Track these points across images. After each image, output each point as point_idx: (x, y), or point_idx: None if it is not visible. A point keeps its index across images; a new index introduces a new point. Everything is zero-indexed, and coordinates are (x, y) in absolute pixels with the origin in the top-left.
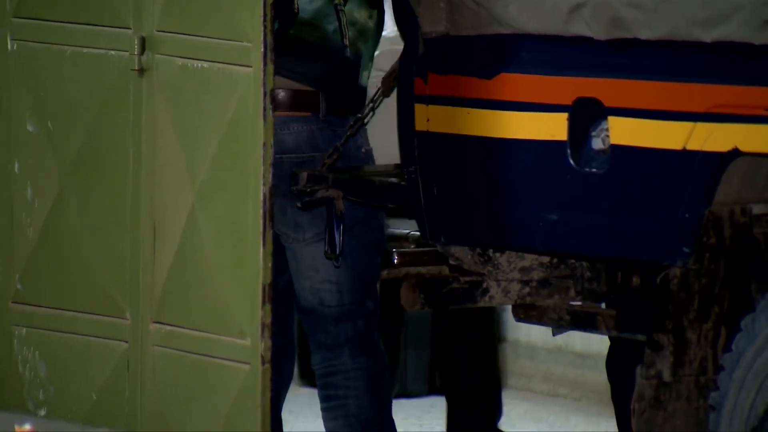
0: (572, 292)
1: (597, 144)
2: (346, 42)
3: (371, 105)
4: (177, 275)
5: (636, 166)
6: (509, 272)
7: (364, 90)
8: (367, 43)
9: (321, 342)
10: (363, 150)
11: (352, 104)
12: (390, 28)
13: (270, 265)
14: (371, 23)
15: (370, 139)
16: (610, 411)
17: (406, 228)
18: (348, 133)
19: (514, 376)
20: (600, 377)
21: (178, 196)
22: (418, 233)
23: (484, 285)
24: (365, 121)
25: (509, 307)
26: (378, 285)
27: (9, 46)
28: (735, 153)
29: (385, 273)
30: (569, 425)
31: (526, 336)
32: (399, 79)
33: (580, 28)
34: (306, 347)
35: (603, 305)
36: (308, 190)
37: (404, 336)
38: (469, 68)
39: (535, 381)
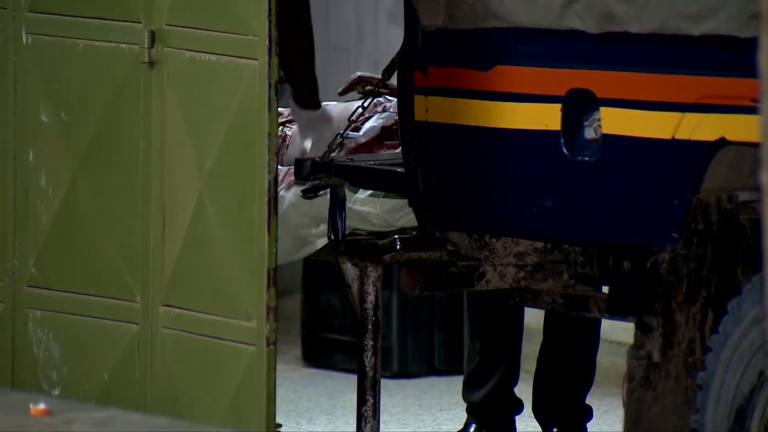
0: (565, 277)
1: (589, 133)
2: None
3: (372, 93)
4: (185, 260)
5: (627, 154)
6: (505, 257)
7: None
8: None
9: None
10: None
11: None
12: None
13: (275, 250)
14: None
15: None
16: (600, 390)
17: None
18: (349, 121)
19: None
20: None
21: (187, 183)
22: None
23: (481, 269)
24: (365, 107)
25: None
26: None
27: (24, 40)
28: (722, 142)
29: (388, 258)
30: None
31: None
32: (399, 71)
33: (573, 22)
34: (310, 329)
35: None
36: (311, 177)
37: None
38: (466, 61)
39: (531, 362)
